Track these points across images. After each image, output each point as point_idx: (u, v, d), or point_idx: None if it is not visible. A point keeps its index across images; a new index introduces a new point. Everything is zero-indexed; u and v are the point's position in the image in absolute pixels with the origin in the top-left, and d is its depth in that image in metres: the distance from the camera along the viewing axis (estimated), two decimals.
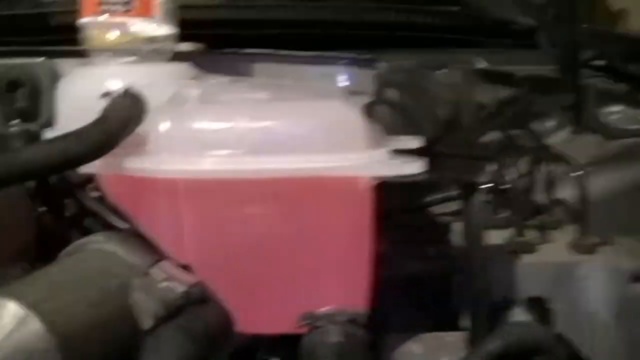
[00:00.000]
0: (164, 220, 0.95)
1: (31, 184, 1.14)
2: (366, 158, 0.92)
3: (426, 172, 0.91)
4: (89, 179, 1.18)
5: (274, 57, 1.31)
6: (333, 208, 0.93)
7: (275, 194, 0.92)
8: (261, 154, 0.92)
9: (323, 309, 0.93)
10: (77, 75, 1.15)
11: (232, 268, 0.94)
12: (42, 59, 1.33)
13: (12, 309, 0.68)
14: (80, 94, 1.12)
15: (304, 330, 0.92)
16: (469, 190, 0.85)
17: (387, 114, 1.10)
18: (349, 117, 0.94)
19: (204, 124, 0.95)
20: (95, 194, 1.17)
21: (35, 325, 0.68)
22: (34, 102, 1.31)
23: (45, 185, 1.19)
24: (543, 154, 1.16)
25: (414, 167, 0.91)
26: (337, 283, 0.95)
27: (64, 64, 1.32)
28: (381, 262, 0.94)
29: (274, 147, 0.92)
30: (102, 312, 0.77)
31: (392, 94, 1.19)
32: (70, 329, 0.71)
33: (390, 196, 0.93)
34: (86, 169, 0.93)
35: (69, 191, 1.23)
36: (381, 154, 0.93)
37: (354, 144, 0.92)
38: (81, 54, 1.23)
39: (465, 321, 1.02)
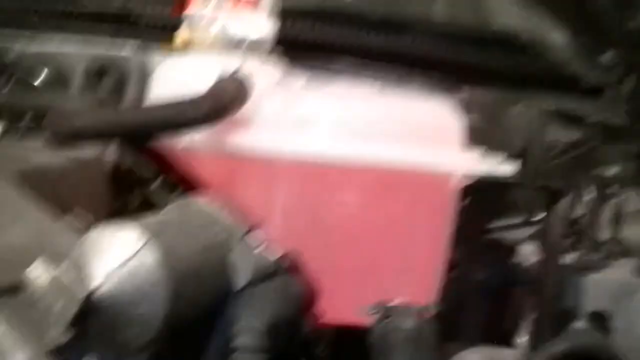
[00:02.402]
0: (256, 200, 1.02)
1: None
2: (461, 157, 1.01)
3: (517, 175, 0.96)
4: (157, 174, 1.26)
5: (364, 71, 1.38)
6: (421, 202, 1.01)
7: (370, 182, 1.00)
8: (361, 143, 0.99)
9: (394, 302, 0.98)
10: (175, 63, 1.21)
11: (317, 253, 0.99)
12: (132, 51, 1.38)
13: (131, 239, 0.74)
14: (176, 81, 1.17)
15: (372, 320, 0.96)
16: (556, 197, 0.91)
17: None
18: (450, 116, 1.04)
19: (311, 108, 1.03)
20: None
21: (150, 257, 0.73)
22: (118, 92, 1.36)
23: (119, 175, 1.25)
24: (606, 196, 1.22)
25: (505, 169, 0.99)
26: (411, 278, 1.02)
27: (152, 58, 1.37)
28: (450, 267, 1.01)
29: (376, 136, 1.00)
30: (205, 261, 0.83)
31: (472, 120, 1.26)
32: (179, 267, 0.76)
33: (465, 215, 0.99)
34: (189, 141, 1.01)
35: (137, 183, 1.29)
36: (475, 155, 1.02)
37: (451, 143, 1.02)
38: (171, 49, 1.28)
39: (520, 336, 1.07)
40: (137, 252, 0.72)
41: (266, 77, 1.11)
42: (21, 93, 1.27)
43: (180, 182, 1.10)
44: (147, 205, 1.15)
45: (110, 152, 1.17)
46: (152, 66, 1.30)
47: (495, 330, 1.13)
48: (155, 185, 1.21)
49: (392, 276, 1.01)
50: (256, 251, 0.89)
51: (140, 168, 1.21)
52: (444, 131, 1.03)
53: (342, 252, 1.01)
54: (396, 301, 0.98)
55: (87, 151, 1.10)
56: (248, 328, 0.80)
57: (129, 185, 1.21)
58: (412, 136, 1.01)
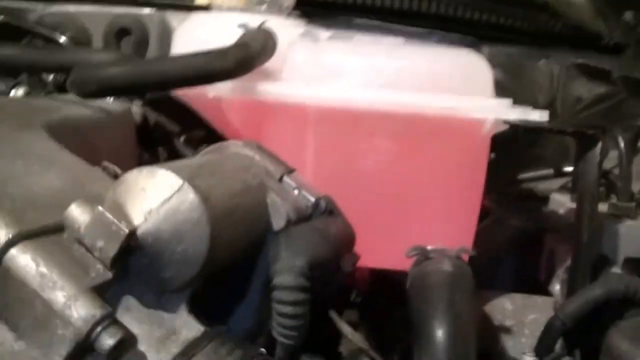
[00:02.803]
0: (288, 147, 1.00)
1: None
2: (493, 103, 0.99)
3: (548, 122, 0.96)
4: (182, 130, 1.26)
5: (385, 29, 1.38)
6: (455, 148, 1.01)
7: (403, 129, 1.00)
8: (391, 90, 0.99)
9: (431, 246, 0.97)
10: (198, 20, 1.20)
11: (349, 199, 0.97)
12: (152, 10, 1.38)
13: (170, 179, 0.72)
14: (199, 39, 1.16)
15: (409, 264, 0.96)
16: (589, 142, 0.91)
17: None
18: (480, 64, 1.03)
19: (339, 57, 1.03)
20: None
21: (190, 196, 0.72)
22: (140, 52, 1.37)
23: (146, 131, 1.25)
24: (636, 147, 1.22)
25: (538, 115, 0.98)
26: (447, 223, 1.02)
27: (173, 17, 1.37)
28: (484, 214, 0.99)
29: (406, 84, 1.00)
30: (243, 202, 0.81)
31: (495, 74, 1.26)
32: (218, 207, 0.75)
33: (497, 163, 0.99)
34: (219, 90, 1.01)
35: (164, 137, 1.29)
36: (506, 101, 0.99)
37: (483, 90, 1.01)
38: (192, 8, 1.29)
39: (554, 284, 1.07)
40: (176, 191, 0.71)
41: (291, 31, 1.12)
42: (44, 52, 1.25)
43: (211, 132, 1.07)
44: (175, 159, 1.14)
45: (137, 106, 1.17)
46: (173, 25, 1.30)
47: (529, 278, 1.12)
48: (182, 139, 1.21)
49: (427, 221, 1.02)
50: (294, 192, 0.88)
51: (167, 122, 1.21)
52: (473, 78, 1.04)
53: (376, 198, 1.01)
54: (433, 245, 0.95)
55: (115, 104, 1.09)
56: (288, 266, 0.78)
57: (156, 139, 1.21)
58: (442, 83, 1.02)
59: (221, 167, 0.84)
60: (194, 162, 0.83)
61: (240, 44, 0.97)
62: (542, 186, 1.35)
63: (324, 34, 1.09)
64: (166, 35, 1.31)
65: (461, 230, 1.00)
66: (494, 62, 1.29)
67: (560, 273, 1.04)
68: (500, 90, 1.22)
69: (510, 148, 1.29)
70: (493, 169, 1.03)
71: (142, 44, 1.37)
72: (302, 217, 0.87)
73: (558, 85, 1.35)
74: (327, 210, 0.90)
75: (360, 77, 0.99)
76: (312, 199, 0.89)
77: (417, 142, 0.98)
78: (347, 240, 0.91)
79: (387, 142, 0.98)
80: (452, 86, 0.99)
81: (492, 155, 1.16)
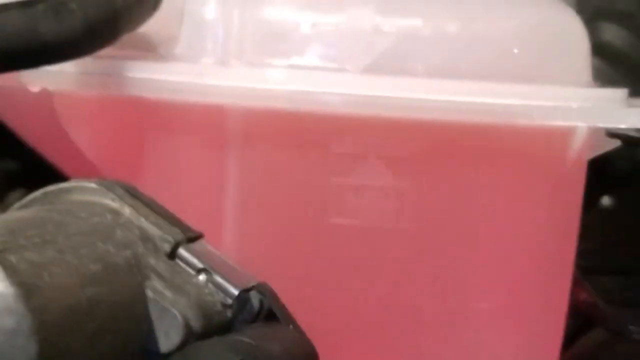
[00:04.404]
0: (190, 184, 1.08)
1: None
2: (591, 97, 1.06)
3: None
4: None
5: None
6: (518, 183, 1.08)
7: (415, 149, 1.06)
8: (396, 75, 1.06)
9: None
10: None
11: (310, 283, 1.05)
12: None
13: None
14: None
15: None
16: None
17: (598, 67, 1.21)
18: (567, 25, 1.11)
19: (285, 13, 1.10)
20: None
21: (3, 287, 0.75)
22: None
23: None
24: None
25: None
26: (507, 328, 1.09)
27: None
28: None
29: (416, 65, 1.07)
30: (101, 297, 0.86)
31: (608, 33, 1.33)
32: (54, 307, 0.80)
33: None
34: (52, 80, 1.09)
35: None
36: (617, 93, 1.08)
37: (569, 73, 1.08)
38: None
39: None
40: None
41: None
42: None
43: (37, 163, 1.15)
44: None
45: None
46: None
47: None
48: None
49: (466, 325, 1.08)
50: (200, 278, 0.94)
51: None
52: (553, 51, 1.10)
53: (364, 281, 1.08)
54: None
55: None
56: None
57: None
58: (488, 62, 1.08)
59: (59, 230, 0.90)
60: (6, 223, 0.89)
61: None
62: None
63: None
64: None
65: (533, 345, 1.07)
66: (610, 13, 1.36)
67: None
68: (615, 71, 1.29)
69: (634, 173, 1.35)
70: (601, 224, 1.09)
71: None
72: (215, 326, 0.92)
73: None
74: (263, 311, 0.96)
75: (326, 53, 1.05)
76: (235, 291, 0.95)
77: (442, 173, 1.05)
78: None
79: (382, 175, 1.04)
80: (508, 67, 1.05)
81: (608, 199, 1.23)
